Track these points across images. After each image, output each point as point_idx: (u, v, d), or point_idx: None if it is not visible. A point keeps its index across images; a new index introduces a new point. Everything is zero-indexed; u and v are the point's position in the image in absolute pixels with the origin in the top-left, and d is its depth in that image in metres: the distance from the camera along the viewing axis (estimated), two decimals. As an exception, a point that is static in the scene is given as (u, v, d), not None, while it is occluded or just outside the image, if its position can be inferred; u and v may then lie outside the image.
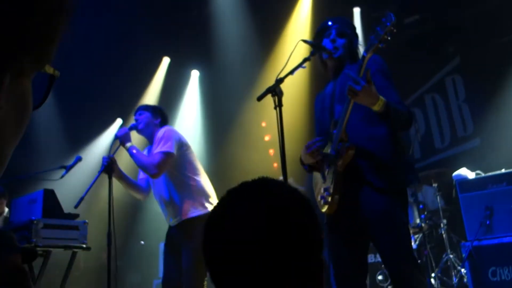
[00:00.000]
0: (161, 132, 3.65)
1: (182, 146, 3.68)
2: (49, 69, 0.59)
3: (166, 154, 3.52)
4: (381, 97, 2.32)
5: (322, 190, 2.59)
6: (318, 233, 0.96)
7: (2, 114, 0.51)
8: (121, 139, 3.60)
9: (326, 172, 2.58)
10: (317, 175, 2.72)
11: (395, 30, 2.29)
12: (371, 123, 2.48)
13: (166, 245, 3.82)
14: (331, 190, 2.49)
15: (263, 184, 0.99)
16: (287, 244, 0.90)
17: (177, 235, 3.62)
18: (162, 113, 3.88)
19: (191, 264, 3.45)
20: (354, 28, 2.84)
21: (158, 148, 3.55)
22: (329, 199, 2.48)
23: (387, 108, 2.34)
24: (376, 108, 2.34)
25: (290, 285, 0.89)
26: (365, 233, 2.51)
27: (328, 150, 2.55)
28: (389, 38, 2.30)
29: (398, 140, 2.55)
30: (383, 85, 2.48)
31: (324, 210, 2.53)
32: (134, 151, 3.56)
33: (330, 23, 2.75)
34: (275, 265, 0.88)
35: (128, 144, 3.59)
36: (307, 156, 2.61)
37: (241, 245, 0.90)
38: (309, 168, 2.71)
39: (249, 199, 0.95)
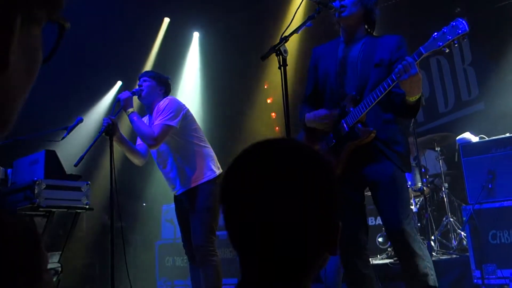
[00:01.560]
0: (163, 102, 3.60)
1: (186, 116, 3.65)
2: (59, 19, 0.56)
3: (168, 127, 3.49)
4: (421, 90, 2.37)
5: None
6: (335, 195, 0.95)
7: (13, 60, 0.49)
8: (123, 102, 3.55)
9: (327, 141, 2.60)
10: (306, 135, 2.76)
11: (465, 39, 2.20)
12: (384, 109, 2.54)
13: (178, 212, 3.82)
14: (335, 162, 2.55)
15: (281, 144, 0.98)
16: (304, 204, 0.89)
17: (187, 200, 3.62)
18: (167, 83, 3.83)
19: (203, 225, 3.48)
20: None
21: (160, 119, 3.51)
22: None
23: (418, 101, 2.40)
24: (413, 98, 2.36)
25: (307, 247, 0.89)
26: (362, 195, 2.62)
27: (340, 122, 2.56)
28: (456, 45, 2.21)
29: (402, 122, 2.71)
30: None
31: None
32: (135, 118, 3.52)
33: None
34: (291, 222, 0.88)
35: (130, 110, 3.53)
36: (316, 123, 2.60)
37: (259, 202, 0.89)
38: (306, 126, 2.71)
39: (266, 159, 0.93)
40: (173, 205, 4.05)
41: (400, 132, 2.59)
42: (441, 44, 2.24)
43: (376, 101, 2.41)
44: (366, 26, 2.67)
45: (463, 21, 2.19)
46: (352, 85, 2.56)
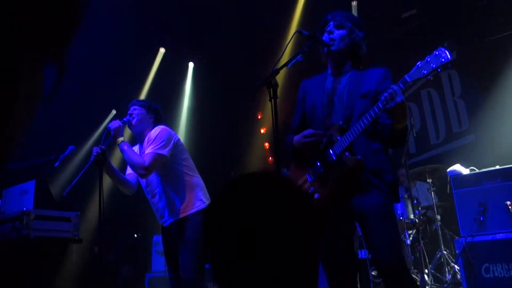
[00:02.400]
0: (155, 131, 3.58)
1: (177, 145, 3.64)
2: (60, 62, 0.58)
3: (159, 156, 3.46)
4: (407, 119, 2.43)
5: (307, 188, 2.64)
6: (314, 231, 0.96)
7: (16, 105, 0.51)
8: (114, 132, 3.53)
9: (314, 171, 2.60)
10: (294, 164, 2.78)
11: (449, 67, 2.25)
12: (373, 138, 2.55)
13: (165, 244, 3.76)
14: (321, 192, 2.55)
15: (264, 178, 1.00)
16: (282, 239, 0.91)
17: (176, 231, 3.57)
18: (157, 111, 3.79)
19: (192, 257, 3.43)
20: (356, 21, 2.75)
21: (151, 148, 3.48)
22: (317, 201, 2.54)
23: (405, 128, 2.45)
24: (400, 126, 2.42)
25: (286, 283, 0.89)
26: (351, 226, 2.59)
27: (327, 151, 2.56)
28: (440, 72, 2.27)
29: (388, 153, 2.66)
30: None
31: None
32: (125, 147, 3.49)
33: (329, 16, 2.72)
34: (270, 259, 0.90)
35: (120, 139, 3.51)
36: (301, 144, 2.62)
37: (241, 236, 0.91)
38: (294, 153, 2.72)
39: (250, 193, 0.96)
40: (164, 236, 3.99)
41: (388, 162, 2.58)
42: (425, 72, 2.27)
43: (363, 129, 2.42)
44: (353, 61, 2.72)
45: (446, 50, 2.23)
46: (338, 115, 2.58)
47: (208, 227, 0.98)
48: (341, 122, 2.54)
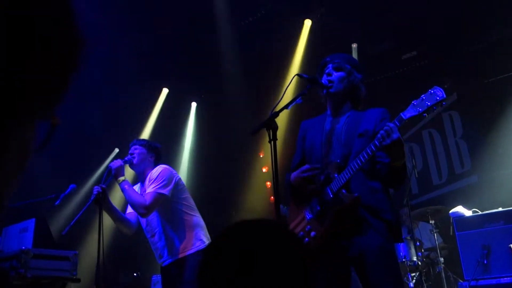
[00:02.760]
0: (156, 170, 3.61)
1: (178, 184, 3.66)
2: (51, 117, 0.59)
3: (160, 195, 3.48)
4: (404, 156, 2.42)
5: (304, 226, 2.61)
6: (308, 279, 0.97)
7: (7, 156, 0.52)
8: (114, 171, 3.55)
9: (312, 209, 2.59)
10: (292, 203, 2.76)
11: (443, 104, 2.31)
12: (370, 177, 2.54)
13: (164, 284, 3.72)
14: (318, 231, 2.52)
15: (261, 226, 1.02)
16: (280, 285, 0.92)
17: (175, 271, 3.54)
18: (157, 150, 3.84)
19: None
20: (355, 63, 2.81)
21: (152, 187, 3.50)
22: (314, 239, 2.52)
23: (403, 166, 2.45)
24: (398, 163, 2.42)
25: None
26: (348, 270, 2.53)
27: (325, 189, 2.55)
28: (435, 110, 2.32)
29: (388, 192, 2.63)
30: None
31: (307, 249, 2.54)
32: (126, 186, 3.50)
33: (328, 59, 2.77)
34: None
35: (121, 178, 3.53)
36: (299, 179, 2.61)
37: (236, 282, 0.92)
38: (292, 190, 2.71)
39: (244, 240, 0.98)
40: (162, 276, 3.95)
41: (387, 201, 2.54)
42: (420, 110, 2.31)
43: (360, 167, 2.42)
44: (352, 102, 2.75)
45: (440, 89, 2.28)
46: (336, 154, 2.60)
47: (203, 271, 0.99)
48: (338, 160, 2.55)
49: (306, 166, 2.62)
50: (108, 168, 3.60)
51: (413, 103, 2.35)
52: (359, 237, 2.46)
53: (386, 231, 2.47)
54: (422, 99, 2.31)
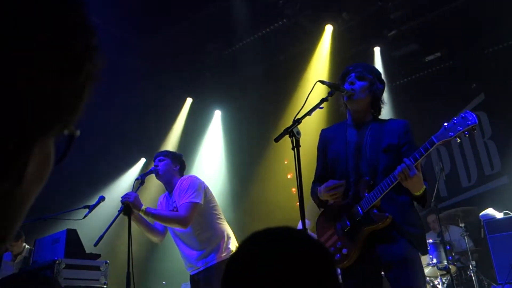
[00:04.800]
0: (186, 181, 3.65)
1: (206, 193, 3.70)
2: (71, 130, 0.59)
3: (194, 204, 3.53)
4: (423, 185, 2.43)
5: (335, 241, 2.63)
6: (334, 285, 0.97)
7: (27, 172, 0.53)
8: (133, 205, 3.45)
9: (342, 225, 2.59)
10: (319, 220, 2.77)
11: (475, 131, 2.30)
12: (398, 192, 2.54)
13: None
14: (350, 248, 2.54)
15: (285, 234, 1.02)
16: None
17: (204, 280, 3.57)
18: (181, 160, 3.89)
19: None
20: (377, 73, 2.80)
21: (186, 198, 3.55)
22: (345, 257, 2.55)
23: (424, 194, 2.46)
24: (417, 193, 2.45)
25: None
26: (378, 279, 2.55)
27: (355, 206, 2.57)
28: (466, 135, 2.30)
29: (415, 205, 2.66)
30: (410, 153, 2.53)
31: (338, 265, 2.58)
32: (152, 211, 3.51)
33: (351, 68, 2.75)
34: None
35: (143, 208, 3.47)
36: (326, 195, 2.62)
37: None
38: (320, 203, 2.72)
39: (270, 247, 0.98)
40: (190, 284, 3.98)
41: (414, 213, 2.59)
42: (452, 134, 2.30)
43: (389, 188, 2.45)
44: (373, 112, 2.74)
45: (473, 114, 2.27)
46: (363, 170, 2.59)
47: (227, 279, 1.00)
48: (367, 178, 2.55)
49: (330, 182, 2.62)
50: (122, 202, 3.49)
51: (445, 127, 2.33)
52: (387, 246, 2.49)
53: (410, 243, 2.49)
54: (454, 123, 2.29)
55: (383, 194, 2.45)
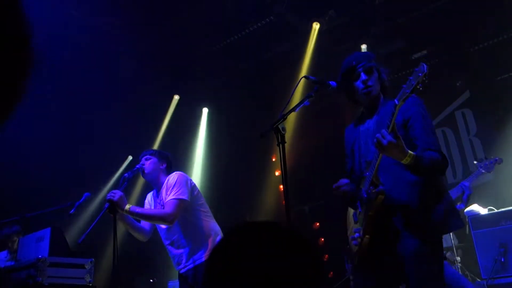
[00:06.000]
0: (173, 178, 3.64)
1: (193, 190, 3.69)
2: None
3: (180, 201, 3.52)
4: (409, 152, 2.30)
5: (353, 231, 2.59)
6: (316, 283, 0.96)
7: None
8: (117, 203, 3.41)
9: (358, 213, 2.57)
10: (350, 213, 2.72)
11: (427, 81, 2.26)
12: (406, 169, 2.39)
13: None
14: (361, 232, 2.49)
15: (267, 227, 1.01)
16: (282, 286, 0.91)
17: (193, 278, 3.55)
18: (168, 158, 3.88)
19: None
20: (375, 56, 2.76)
21: (172, 195, 3.54)
22: (359, 240, 2.48)
23: (415, 161, 2.31)
24: (404, 162, 2.32)
25: None
26: (396, 275, 2.45)
27: (361, 190, 2.54)
28: (421, 88, 2.25)
29: (435, 183, 2.48)
30: (420, 129, 2.47)
31: (355, 251, 2.54)
32: (137, 209, 3.50)
33: (354, 62, 2.67)
34: None
35: (127, 206, 3.45)
36: (337, 192, 2.62)
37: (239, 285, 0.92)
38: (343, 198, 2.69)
39: (252, 240, 0.98)
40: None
41: (425, 195, 2.41)
42: (408, 91, 2.26)
43: (378, 161, 2.38)
44: (382, 94, 2.70)
45: (424, 64, 2.23)
46: (371, 153, 2.54)
47: (209, 273, 0.99)
48: (370, 159, 2.49)
49: (340, 182, 2.61)
50: (107, 200, 3.43)
51: (403, 86, 2.31)
52: (398, 240, 2.40)
53: (421, 231, 2.37)
54: (409, 79, 2.27)
55: (375, 168, 2.39)
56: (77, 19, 5.92)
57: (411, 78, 2.26)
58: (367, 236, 2.44)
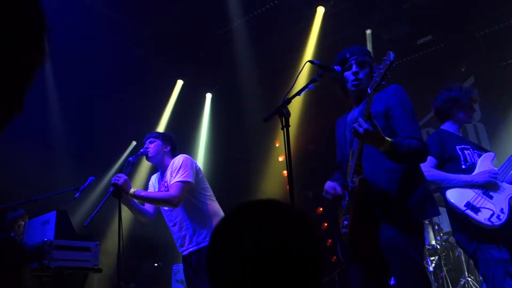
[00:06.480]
0: (178, 160, 3.65)
1: (198, 173, 3.71)
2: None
3: (185, 183, 3.53)
4: (386, 139, 2.31)
5: (342, 219, 2.62)
6: (316, 259, 0.97)
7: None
8: (122, 187, 3.44)
9: (346, 202, 2.60)
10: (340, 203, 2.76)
11: (393, 66, 2.28)
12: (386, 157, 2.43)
13: (186, 273, 3.76)
14: (348, 221, 2.52)
15: (267, 205, 1.02)
16: (283, 267, 0.92)
17: (197, 260, 3.58)
18: (172, 140, 3.89)
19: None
20: (370, 53, 2.81)
21: (177, 177, 3.55)
22: (347, 228, 2.52)
23: (393, 148, 2.33)
24: (382, 148, 2.35)
25: None
26: (382, 263, 2.46)
27: (347, 180, 2.56)
28: (389, 76, 2.29)
29: (413, 170, 2.51)
30: (400, 118, 2.50)
31: (344, 238, 2.56)
32: (142, 193, 3.52)
33: (348, 54, 2.71)
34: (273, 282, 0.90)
35: (132, 190, 3.48)
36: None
37: (241, 263, 0.92)
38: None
39: (251, 220, 0.98)
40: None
41: (405, 182, 2.43)
42: (378, 79, 2.30)
43: (358, 149, 2.41)
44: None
45: (391, 53, 2.27)
46: (355, 143, 2.58)
47: (210, 254, 1.00)
48: (353, 147, 2.52)
49: (328, 186, 2.65)
50: (112, 184, 3.47)
51: (374, 75, 2.35)
52: (378, 229, 2.43)
53: (397, 219, 2.39)
54: (379, 68, 2.31)
55: (357, 156, 2.42)
56: (90, 7, 6.02)
57: (380, 66, 2.30)
58: (352, 225, 2.49)
